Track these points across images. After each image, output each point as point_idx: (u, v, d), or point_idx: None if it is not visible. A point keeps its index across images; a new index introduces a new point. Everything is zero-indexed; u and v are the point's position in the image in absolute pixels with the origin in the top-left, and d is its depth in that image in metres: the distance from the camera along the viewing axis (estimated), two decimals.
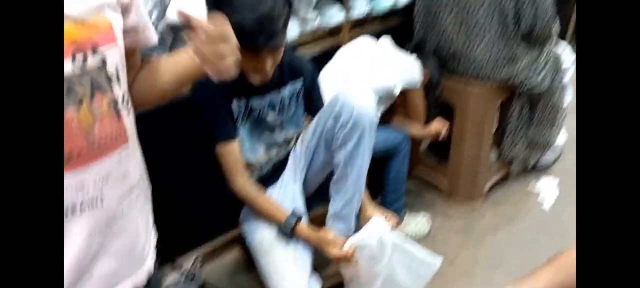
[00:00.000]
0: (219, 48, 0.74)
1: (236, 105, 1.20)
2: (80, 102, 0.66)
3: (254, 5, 1.02)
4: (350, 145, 1.19)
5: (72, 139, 0.65)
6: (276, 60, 1.15)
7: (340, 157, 1.22)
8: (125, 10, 0.75)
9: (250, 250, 1.35)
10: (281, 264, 1.24)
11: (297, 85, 1.30)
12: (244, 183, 1.26)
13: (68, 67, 0.64)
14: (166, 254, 1.63)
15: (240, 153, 1.24)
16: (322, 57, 1.79)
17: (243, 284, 1.77)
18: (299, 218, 1.27)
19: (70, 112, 0.65)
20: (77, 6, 0.65)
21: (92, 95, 0.68)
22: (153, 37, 0.84)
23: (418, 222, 1.94)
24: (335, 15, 1.73)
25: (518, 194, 2.16)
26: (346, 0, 1.77)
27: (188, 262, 1.77)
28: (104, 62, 0.69)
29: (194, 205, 1.76)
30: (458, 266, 1.77)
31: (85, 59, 0.66)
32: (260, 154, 1.30)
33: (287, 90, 1.28)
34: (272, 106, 1.26)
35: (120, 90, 0.73)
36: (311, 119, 1.36)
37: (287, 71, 1.28)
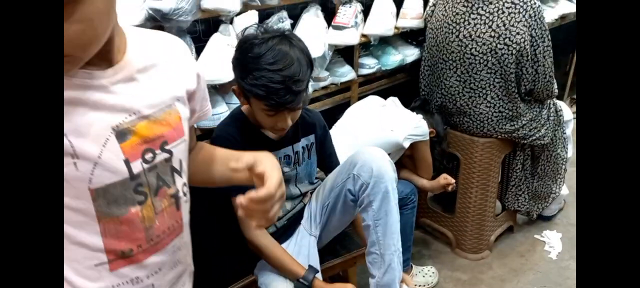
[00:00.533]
0: (266, 207, 0.71)
1: None
2: (145, 198, 0.67)
3: (281, 67, 1.08)
4: (375, 205, 1.22)
5: (134, 236, 0.66)
6: (295, 117, 1.21)
7: (369, 218, 1.24)
8: (191, 96, 0.76)
9: None
10: None
11: (310, 139, 1.36)
12: (261, 235, 1.29)
13: (137, 166, 0.65)
14: None
15: None
16: (333, 111, 1.87)
17: None
18: (316, 273, 1.30)
19: (135, 210, 0.66)
20: (151, 107, 0.67)
21: (156, 192, 0.69)
22: (210, 109, 0.88)
23: (426, 274, 1.96)
24: (345, 74, 1.82)
25: (524, 245, 2.18)
26: (356, 60, 1.87)
27: None
28: (170, 155, 0.70)
29: (206, 254, 1.78)
30: None
31: (154, 157, 0.67)
32: None
33: (301, 145, 1.34)
34: (287, 160, 1.31)
35: (181, 180, 0.73)
36: (324, 172, 1.41)
37: (301, 126, 1.34)
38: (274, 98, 1.08)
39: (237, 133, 1.22)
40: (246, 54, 1.10)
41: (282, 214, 1.36)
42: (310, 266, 1.30)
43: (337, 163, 1.44)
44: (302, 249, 1.38)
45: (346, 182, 1.27)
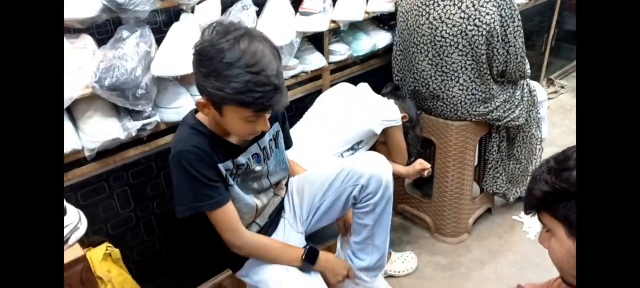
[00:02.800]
0: None
1: (223, 168, 1.17)
2: None
3: (262, 68, 0.99)
4: (378, 210, 1.28)
5: None
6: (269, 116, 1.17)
7: (368, 220, 1.30)
8: None
9: None
10: None
11: (274, 128, 1.31)
12: (250, 234, 1.25)
13: None
14: None
15: (234, 211, 1.22)
16: (304, 100, 1.84)
17: None
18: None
19: None
20: None
21: None
22: None
23: (405, 259, 1.95)
24: (316, 61, 1.78)
25: (502, 227, 2.19)
26: (326, 47, 1.83)
27: None
28: None
29: (177, 254, 1.75)
30: None
31: None
32: (252, 203, 1.28)
33: (266, 139, 1.29)
34: (256, 158, 1.26)
35: None
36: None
37: None
38: (262, 101, 1.00)
39: (203, 144, 1.12)
40: (217, 62, 0.98)
41: (261, 207, 1.32)
42: (308, 243, 1.30)
43: (290, 143, 1.42)
44: (291, 241, 1.36)
45: (352, 190, 1.28)
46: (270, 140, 1.29)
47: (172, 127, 1.51)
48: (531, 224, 2.16)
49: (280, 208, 1.40)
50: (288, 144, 1.40)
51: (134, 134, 1.36)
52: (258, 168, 1.26)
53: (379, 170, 1.26)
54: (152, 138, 1.48)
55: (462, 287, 1.85)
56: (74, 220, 1.09)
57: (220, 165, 1.16)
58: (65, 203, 1.11)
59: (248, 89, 0.98)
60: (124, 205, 1.52)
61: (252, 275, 1.30)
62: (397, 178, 2.00)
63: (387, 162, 1.31)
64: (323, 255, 1.31)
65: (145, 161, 1.50)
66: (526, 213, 0.91)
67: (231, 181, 1.19)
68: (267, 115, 1.11)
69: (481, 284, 1.86)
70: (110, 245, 1.46)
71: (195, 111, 1.18)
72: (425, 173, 1.81)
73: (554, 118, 2.95)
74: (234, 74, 0.97)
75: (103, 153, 1.38)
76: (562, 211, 0.81)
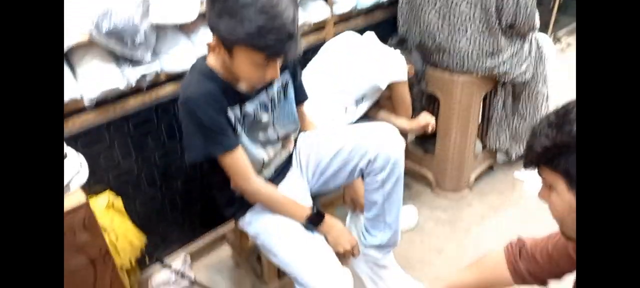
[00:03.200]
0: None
1: (232, 114, 1.15)
2: None
3: (279, 11, 0.95)
4: (388, 187, 1.25)
5: None
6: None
7: (378, 197, 1.27)
8: None
9: (263, 248, 1.31)
10: (311, 252, 1.20)
11: (284, 77, 1.28)
12: (260, 182, 1.24)
13: None
14: (154, 254, 1.65)
15: (245, 156, 1.21)
16: (306, 53, 1.80)
17: (234, 279, 1.78)
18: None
19: None
20: None
21: None
22: None
23: (405, 214, 1.96)
24: (319, 11, 1.73)
25: (504, 184, 2.19)
26: None
27: (177, 260, 1.78)
28: None
29: (179, 205, 1.76)
30: (445, 256, 1.79)
31: None
32: (259, 155, 1.27)
33: (275, 87, 1.26)
34: (264, 106, 1.23)
35: None
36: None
37: None
38: (275, 48, 0.97)
39: (212, 90, 1.09)
40: (233, 1, 0.94)
41: (268, 160, 1.30)
42: (315, 205, 1.29)
43: (306, 96, 1.38)
44: (296, 196, 1.32)
45: (359, 162, 1.25)
46: (279, 89, 1.26)
47: (172, 78, 1.48)
48: (532, 182, 2.16)
49: (287, 163, 1.38)
50: (301, 97, 1.35)
51: (133, 83, 1.33)
52: (265, 118, 1.24)
53: (389, 146, 1.22)
54: (153, 88, 1.45)
55: (462, 241, 1.87)
56: (75, 165, 1.08)
57: (229, 112, 1.15)
58: (67, 148, 1.09)
59: (262, 33, 0.95)
60: (125, 156, 1.51)
61: (255, 223, 1.30)
62: (402, 133, 1.98)
63: (400, 138, 1.26)
64: (329, 220, 1.28)
65: (146, 112, 1.48)
66: (526, 168, 0.90)
67: (239, 129, 1.18)
68: (279, 63, 1.07)
69: (481, 238, 1.88)
70: (113, 194, 1.46)
71: (205, 58, 1.16)
72: (430, 128, 1.79)
73: (560, 75, 2.91)
74: (249, 16, 0.93)
75: (103, 102, 1.36)
76: (562, 165, 0.80)
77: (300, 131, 1.42)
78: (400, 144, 1.26)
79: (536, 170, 0.88)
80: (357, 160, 1.25)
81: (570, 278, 1.08)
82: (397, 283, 1.39)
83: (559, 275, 1.14)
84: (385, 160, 1.22)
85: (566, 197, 0.81)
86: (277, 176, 1.35)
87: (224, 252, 1.91)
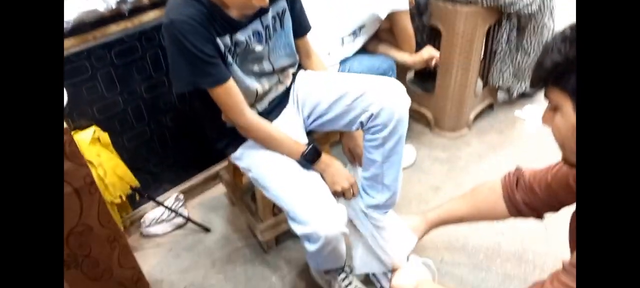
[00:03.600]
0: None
1: (221, 44, 1.07)
2: None
3: None
4: (388, 146, 1.17)
5: None
6: None
7: (377, 156, 1.19)
8: None
9: (255, 182, 1.26)
10: (304, 187, 1.14)
11: (280, 5, 1.19)
12: (253, 116, 1.17)
13: None
14: (146, 193, 1.60)
15: (237, 89, 1.14)
16: None
17: (229, 217, 1.75)
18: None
19: None
20: None
21: None
22: None
23: (404, 153, 1.92)
24: None
25: (503, 123, 2.14)
26: None
27: (169, 199, 1.74)
28: None
29: (169, 142, 1.70)
30: (442, 195, 1.77)
31: None
32: (253, 86, 1.19)
33: (270, 15, 1.17)
34: (257, 36, 1.15)
35: None
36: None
37: None
38: None
39: (199, 15, 1.01)
40: None
41: (262, 93, 1.23)
42: (311, 143, 1.22)
43: (307, 27, 1.28)
44: (291, 132, 1.25)
45: (360, 114, 1.16)
46: (274, 18, 1.17)
47: (156, 4, 1.38)
48: (534, 119, 2.11)
49: (283, 97, 1.30)
50: (300, 28, 1.26)
51: (113, 5, 1.23)
52: (258, 48, 1.15)
53: (394, 102, 1.13)
54: (135, 14, 1.35)
55: (459, 180, 1.83)
56: None
57: (218, 40, 1.06)
58: None
59: None
60: (109, 88, 1.43)
61: (246, 158, 1.25)
62: (402, 69, 1.90)
63: (406, 96, 1.17)
64: (326, 158, 1.22)
65: (129, 40, 1.38)
66: (532, 87, 0.85)
67: (230, 59, 1.10)
68: None
69: (479, 177, 1.84)
70: (99, 128, 1.39)
71: None
72: (433, 62, 1.71)
73: (567, 8, 2.80)
74: None
75: (82, 28, 1.26)
76: (572, 84, 0.74)
77: (300, 67, 1.34)
78: (406, 102, 1.16)
79: (543, 90, 0.83)
80: (358, 112, 1.17)
81: (567, 211, 1.05)
82: (396, 243, 1.34)
83: (556, 206, 1.11)
84: (388, 117, 1.13)
85: (571, 119, 0.76)
86: (272, 110, 1.28)
87: (218, 190, 1.87)
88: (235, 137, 1.23)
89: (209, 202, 1.83)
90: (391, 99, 1.13)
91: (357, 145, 1.38)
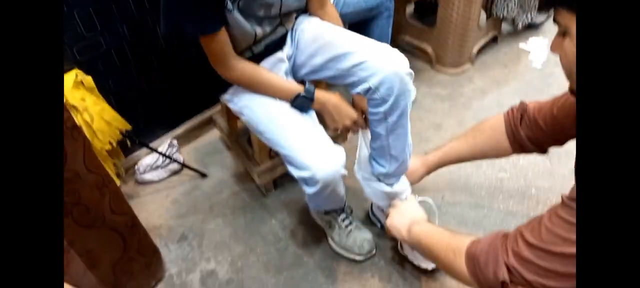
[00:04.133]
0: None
1: None
2: None
3: None
4: (391, 119, 1.09)
5: None
6: None
7: (381, 130, 1.12)
8: None
9: (248, 124, 1.19)
10: (298, 127, 1.08)
11: None
12: (241, 67, 1.09)
13: None
14: (138, 138, 1.54)
15: (227, 40, 1.05)
16: None
17: (225, 161, 1.71)
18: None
19: None
20: None
21: None
22: None
23: None
24: None
25: (508, 56, 2.05)
26: None
27: (163, 145, 1.69)
28: None
29: (157, 85, 1.62)
30: (443, 133, 1.72)
31: None
32: (252, 30, 1.10)
33: None
34: None
35: None
36: None
37: None
38: None
39: None
40: None
41: (261, 36, 1.14)
42: (305, 82, 1.14)
43: None
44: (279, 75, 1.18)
45: (358, 83, 1.07)
46: None
47: None
48: (539, 52, 2.02)
49: (280, 41, 1.20)
50: None
51: None
52: None
53: (394, 76, 1.03)
54: None
55: (461, 117, 1.78)
56: None
57: None
58: None
59: None
60: (88, 27, 1.34)
61: (237, 100, 1.18)
62: (401, 1, 1.79)
63: (408, 69, 1.06)
64: (322, 95, 1.13)
65: None
66: (540, 11, 0.77)
67: (230, 5, 1.00)
68: None
69: (482, 114, 1.79)
70: (81, 72, 1.31)
71: None
72: None
73: None
74: None
75: None
76: None
77: (306, 10, 1.23)
78: (408, 74, 1.06)
79: (552, 14, 0.76)
80: (356, 79, 1.08)
81: (572, 144, 1.00)
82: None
83: (561, 140, 1.06)
84: (387, 91, 1.04)
85: None
86: (267, 52, 1.18)
87: (213, 134, 1.82)
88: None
89: (204, 147, 1.79)
90: (391, 71, 1.03)
91: (365, 108, 1.31)
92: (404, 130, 1.14)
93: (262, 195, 1.56)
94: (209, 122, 1.80)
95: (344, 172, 1.06)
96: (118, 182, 1.40)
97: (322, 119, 1.16)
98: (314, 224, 1.40)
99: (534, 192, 1.45)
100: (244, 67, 1.09)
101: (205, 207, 1.55)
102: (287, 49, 1.21)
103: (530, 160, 1.52)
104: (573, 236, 0.64)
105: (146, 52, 1.50)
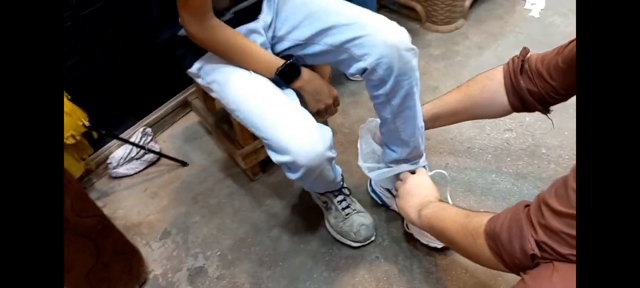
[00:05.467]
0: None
1: None
2: None
3: None
4: (395, 102, 0.97)
5: None
6: None
7: (386, 113, 1.01)
8: None
9: (223, 103, 1.03)
10: (281, 110, 0.92)
11: None
12: (219, 25, 0.93)
13: None
14: (106, 129, 1.38)
15: None
16: None
17: (206, 146, 1.57)
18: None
19: None
20: None
21: None
22: None
23: None
24: None
25: (503, 7, 1.92)
26: None
27: (136, 134, 1.54)
28: None
29: (125, 71, 1.46)
30: (440, 94, 1.58)
31: None
32: None
33: None
34: None
35: None
36: None
37: None
38: None
39: None
40: None
41: (231, 3, 0.98)
42: (290, 58, 0.98)
43: None
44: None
45: (350, 63, 0.94)
46: None
47: None
48: (534, 0, 1.89)
49: (254, 7, 1.03)
50: None
51: None
52: None
53: (393, 53, 0.90)
54: None
55: (459, 75, 1.65)
56: None
57: None
58: None
59: None
60: None
61: (205, 74, 1.02)
62: None
63: (409, 43, 0.92)
64: (306, 73, 1.00)
65: None
66: None
67: None
68: None
69: (480, 69, 1.62)
70: None
71: None
72: None
73: None
74: None
75: None
76: None
77: None
78: (409, 50, 0.92)
79: None
80: (348, 57, 0.94)
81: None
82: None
83: (565, 94, 0.94)
84: (386, 72, 0.91)
85: None
86: (237, 23, 1.01)
87: (191, 118, 1.67)
88: (192, 45, 0.98)
89: (182, 133, 1.64)
90: (389, 49, 0.89)
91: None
92: (411, 112, 1.00)
93: (250, 180, 1.42)
94: (185, 105, 1.65)
95: (331, 154, 0.92)
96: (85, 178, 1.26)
97: (301, 100, 1.01)
98: (308, 207, 1.28)
99: (544, 151, 1.34)
100: (219, 28, 0.92)
101: (188, 199, 1.41)
102: (264, 18, 1.04)
103: (535, 117, 1.40)
104: None
105: (101, 28, 1.33)
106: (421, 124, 1.06)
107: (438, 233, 0.87)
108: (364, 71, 0.93)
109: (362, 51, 0.92)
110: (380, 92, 0.96)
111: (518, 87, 0.96)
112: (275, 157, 0.91)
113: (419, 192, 1.01)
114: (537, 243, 0.62)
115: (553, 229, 0.59)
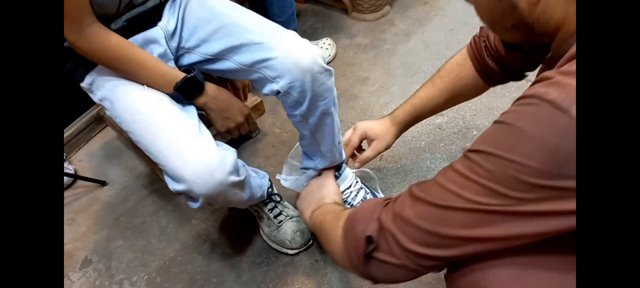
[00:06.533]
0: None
1: None
2: None
3: None
4: (312, 120, 0.92)
5: None
6: None
7: (304, 130, 0.96)
8: None
9: (118, 121, 0.91)
10: (174, 128, 0.83)
11: None
12: (105, 34, 0.81)
13: None
14: None
15: None
16: None
17: (127, 162, 1.44)
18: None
19: None
20: None
21: None
22: None
23: (322, 47, 1.66)
24: None
25: None
26: None
27: None
28: None
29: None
30: (371, 84, 1.56)
31: None
32: None
33: None
34: None
35: None
36: None
37: None
38: None
39: None
40: None
41: (125, 8, 0.87)
42: (193, 71, 0.88)
43: None
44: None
45: (264, 84, 0.88)
46: None
47: None
48: None
49: (152, 14, 0.91)
50: None
51: None
52: None
53: (306, 76, 0.84)
54: None
55: (388, 64, 1.62)
56: None
57: None
58: None
59: None
60: None
61: (96, 90, 0.91)
62: None
63: (322, 64, 0.86)
64: (211, 89, 0.91)
65: None
66: None
67: None
68: None
69: (408, 56, 1.64)
70: None
71: None
72: None
73: None
74: None
75: None
76: None
77: None
78: (323, 71, 0.86)
79: None
80: (261, 77, 0.88)
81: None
82: None
83: (531, 66, 0.93)
84: (300, 94, 0.86)
85: None
86: (132, 32, 0.89)
87: (107, 134, 1.53)
88: (82, 57, 0.85)
89: (100, 150, 1.50)
90: (301, 72, 0.83)
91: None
92: (329, 129, 0.96)
93: (175, 195, 1.32)
94: (100, 120, 1.51)
95: (235, 179, 0.83)
96: None
97: (205, 120, 0.92)
98: (242, 216, 1.20)
99: (475, 133, 1.34)
100: (102, 36, 0.81)
101: (110, 221, 1.29)
102: (165, 26, 0.92)
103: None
104: (466, 193, 0.48)
105: None
106: (339, 139, 1.02)
107: (318, 231, 0.80)
108: (277, 93, 0.87)
109: (274, 73, 0.85)
110: (296, 112, 0.90)
111: (487, 67, 0.94)
112: (171, 185, 0.82)
113: (319, 193, 0.97)
114: (382, 226, 0.55)
115: (403, 217, 0.53)
